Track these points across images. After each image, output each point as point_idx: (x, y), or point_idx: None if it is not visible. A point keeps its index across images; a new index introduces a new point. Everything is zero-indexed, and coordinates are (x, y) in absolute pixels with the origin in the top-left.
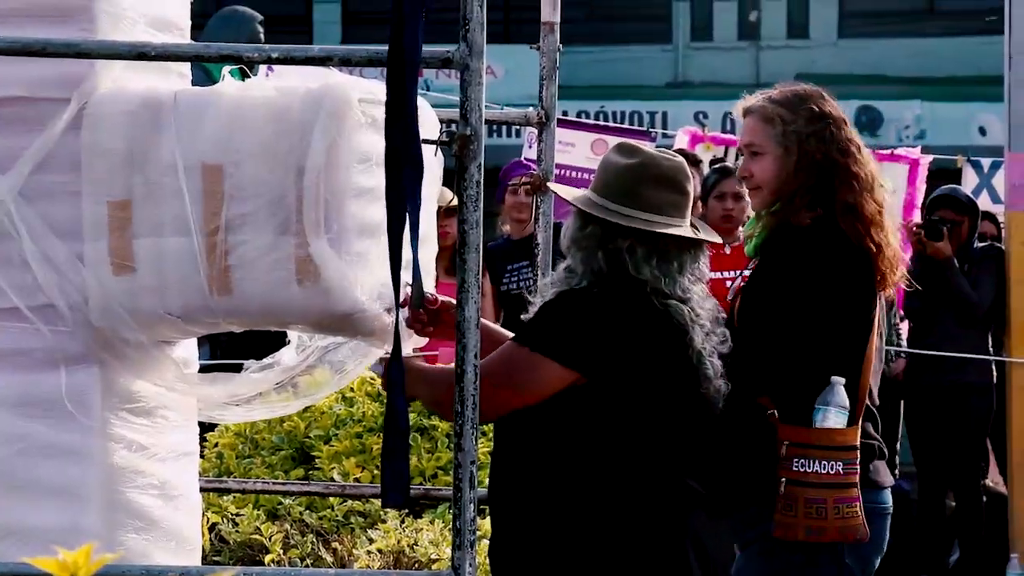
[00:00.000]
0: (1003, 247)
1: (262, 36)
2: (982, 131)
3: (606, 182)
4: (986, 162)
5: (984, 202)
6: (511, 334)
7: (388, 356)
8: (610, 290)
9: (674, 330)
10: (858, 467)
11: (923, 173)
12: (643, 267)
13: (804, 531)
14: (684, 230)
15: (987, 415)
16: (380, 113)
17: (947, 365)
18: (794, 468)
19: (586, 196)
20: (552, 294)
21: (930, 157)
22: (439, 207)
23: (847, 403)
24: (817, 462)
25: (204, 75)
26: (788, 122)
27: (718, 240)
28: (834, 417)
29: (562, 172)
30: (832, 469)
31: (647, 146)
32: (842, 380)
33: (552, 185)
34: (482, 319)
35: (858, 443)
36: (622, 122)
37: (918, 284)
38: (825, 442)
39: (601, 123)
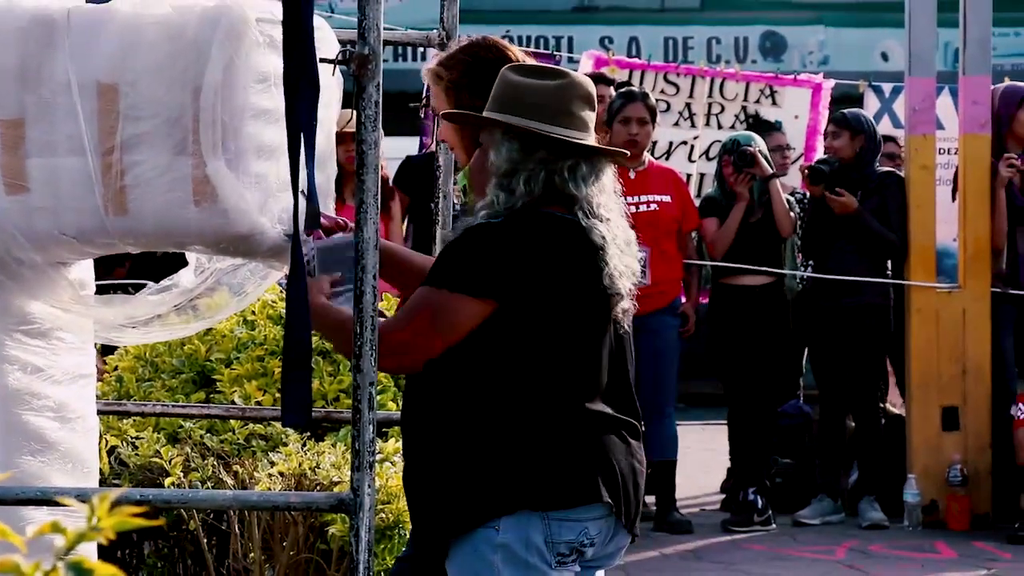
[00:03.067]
0: (901, 173)
1: None
2: (884, 57)
3: (535, 105)
4: (887, 87)
5: (885, 126)
6: (422, 256)
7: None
8: (528, 213)
9: (592, 250)
10: None
11: (826, 98)
12: (582, 186)
13: None
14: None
15: (883, 336)
16: (278, 33)
17: (844, 288)
18: None
19: (512, 119)
20: (460, 227)
21: (832, 82)
22: (344, 131)
23: None
24: None
25: None
26: (444, 77)
27: (628, 155)
28: None
29: None
30: None
31: (554, 66)
32: None
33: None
34: (391, 243)
35: None
36: (527, 47)
37: (814, 219)
38: None
39: None
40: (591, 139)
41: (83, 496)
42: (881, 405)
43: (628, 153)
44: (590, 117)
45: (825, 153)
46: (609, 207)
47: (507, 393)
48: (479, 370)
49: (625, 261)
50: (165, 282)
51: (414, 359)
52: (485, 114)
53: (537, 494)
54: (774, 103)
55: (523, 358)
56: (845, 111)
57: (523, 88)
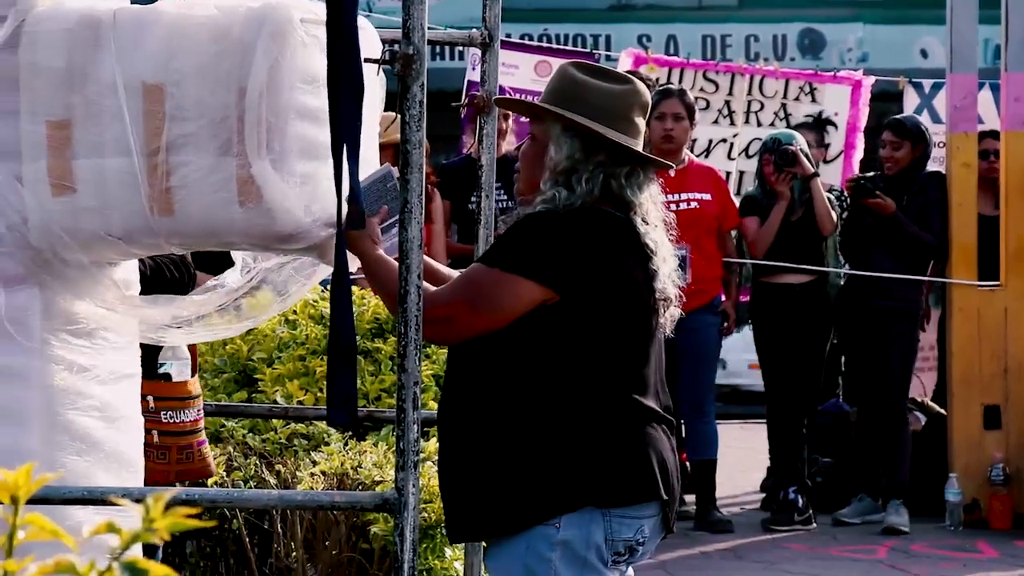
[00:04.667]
0: (943, 171)
1: None
2: (924, 54)
3: (599, 107)
4: (927, 83)
5: (924, 123)
6: (448, 269)
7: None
8: (588, 210)
9: (647, 253)
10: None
11: (865, 95)
12: (637, 193)
13: (175, 475)
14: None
15: (910, 338)
16: (323, 33)
17: (875, 290)
18: (164, 420)
19: (579, 118)
20: (519, 215)
21: (872, 79)
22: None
23: (188, 355)
24: (181, 412)
25: None
26: None
27: (673, 166)
28: (183, 370)
29: (507, 95)
30: (191, 416)
31: (613, 67)
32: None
33: (543, 105)
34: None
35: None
36: (565, 45)
37: (852, 224)
38: (183, 394)
39: (545, 45)
40: (640, 146)
41: (130, 495)
42: (920, 400)
43: (672, 166)
44: (643, 125)
45: (884, 162)
46: (655, 216)
47: (563, 387)
48: (533, 363)
49: (672, 266)
50: (211, 282)
51: (453, 333)
52: (553, 108)
53: (601, 491)
54: (814, 100)
55: (580, 351)
56: (902, 119)
57: (587, 88)
